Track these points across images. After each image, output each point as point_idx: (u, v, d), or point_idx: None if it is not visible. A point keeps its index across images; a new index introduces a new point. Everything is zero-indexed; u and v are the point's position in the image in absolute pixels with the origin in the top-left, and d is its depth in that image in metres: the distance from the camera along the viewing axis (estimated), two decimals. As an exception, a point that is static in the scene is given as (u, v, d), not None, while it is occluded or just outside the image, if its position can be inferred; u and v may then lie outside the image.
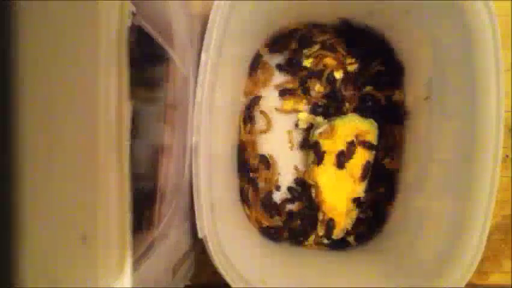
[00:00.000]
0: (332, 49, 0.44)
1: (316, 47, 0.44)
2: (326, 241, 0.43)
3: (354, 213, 0.43)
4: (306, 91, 0.45)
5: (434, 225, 0.35)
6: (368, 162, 0.42)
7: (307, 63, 0.45)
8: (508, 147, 0.45)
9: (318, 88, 0.45)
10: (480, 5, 0.31)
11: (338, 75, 0.45)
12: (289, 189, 0.44)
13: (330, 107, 0.45)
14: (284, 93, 0.45)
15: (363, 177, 0.42)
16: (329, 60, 0.45)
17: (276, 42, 0.44)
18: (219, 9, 0.32)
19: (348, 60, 0.45)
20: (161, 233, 0.29)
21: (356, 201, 0.43)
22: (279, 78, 0.45)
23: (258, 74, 0.44)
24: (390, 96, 0.43)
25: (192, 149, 0.31)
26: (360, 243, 0.43)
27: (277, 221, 0.44)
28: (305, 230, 0.44)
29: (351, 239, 0.44)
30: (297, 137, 0.45)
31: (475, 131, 0.32)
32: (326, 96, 0.45)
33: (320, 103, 0.45)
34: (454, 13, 0.32)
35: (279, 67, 0.45)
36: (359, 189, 0.43)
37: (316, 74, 0.45)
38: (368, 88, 0.44)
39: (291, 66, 0.45)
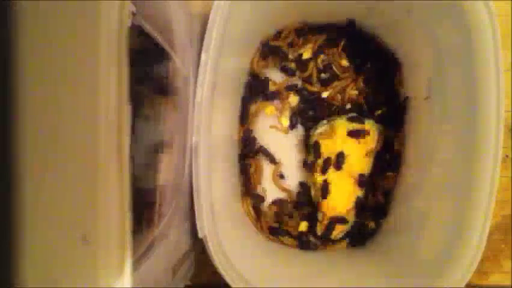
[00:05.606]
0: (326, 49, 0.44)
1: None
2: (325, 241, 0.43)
3: (354, 214, 0.43)
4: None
5: (434, 225, 0.35)
6: (361, 175, 0.42)
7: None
8: (508, 147, 0.45)
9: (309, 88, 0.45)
10: (480, 5, 0.31)
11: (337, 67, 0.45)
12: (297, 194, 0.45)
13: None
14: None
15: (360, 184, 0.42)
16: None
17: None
18: (219, 9, 0.32)
19: (344, 62, 0.45)
20: (161, 233, 0.29)
21: (356, 201, 0.43)
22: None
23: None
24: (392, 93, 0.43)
25: (192, 149, 0.31)
26: (360, 244, 0.43)
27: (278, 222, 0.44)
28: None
29: (350, 239, 0.44)
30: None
31: (475, 131, 0.32)
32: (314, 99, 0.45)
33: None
34: (454, 13, 0.32)
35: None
36: (359, 190, 0.43)
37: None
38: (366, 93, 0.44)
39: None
